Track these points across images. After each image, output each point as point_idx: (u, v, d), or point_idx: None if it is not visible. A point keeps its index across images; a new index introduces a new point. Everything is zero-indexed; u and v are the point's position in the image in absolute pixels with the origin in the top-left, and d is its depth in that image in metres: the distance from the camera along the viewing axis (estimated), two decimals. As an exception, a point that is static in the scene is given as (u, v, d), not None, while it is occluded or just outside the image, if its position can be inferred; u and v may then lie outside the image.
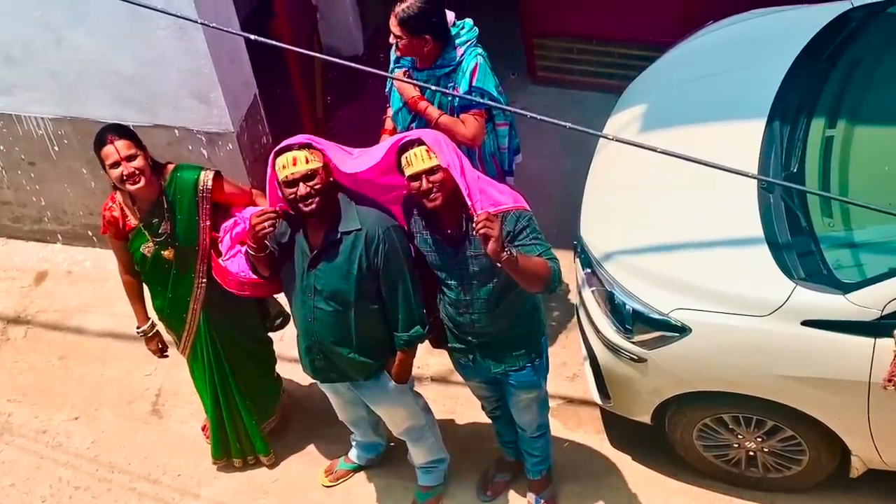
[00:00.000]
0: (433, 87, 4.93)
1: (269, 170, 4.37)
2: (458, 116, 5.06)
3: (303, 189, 4.28)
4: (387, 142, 4.41)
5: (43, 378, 6.09)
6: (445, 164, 4.17)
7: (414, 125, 5.18)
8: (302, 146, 4.30)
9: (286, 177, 4.28)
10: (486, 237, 4.01)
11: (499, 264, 4.11)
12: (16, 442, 5.82)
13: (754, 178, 4.41)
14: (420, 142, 4.19)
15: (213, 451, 5.52)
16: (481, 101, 4.93)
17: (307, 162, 4.26)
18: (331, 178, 4.35)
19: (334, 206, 4.40)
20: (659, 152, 3.35)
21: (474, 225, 4.04)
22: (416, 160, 4.17)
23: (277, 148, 4.33)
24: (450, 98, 5.03)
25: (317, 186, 4.28)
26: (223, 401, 5.26)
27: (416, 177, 4.19)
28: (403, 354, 4.67)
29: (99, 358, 6.14)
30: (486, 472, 5.39)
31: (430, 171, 4.18)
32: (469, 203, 4.17)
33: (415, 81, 5.02)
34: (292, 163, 4.26)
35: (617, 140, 3.53)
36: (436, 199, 4.21)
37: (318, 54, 4.04)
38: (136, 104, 5.74)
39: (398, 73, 5.13)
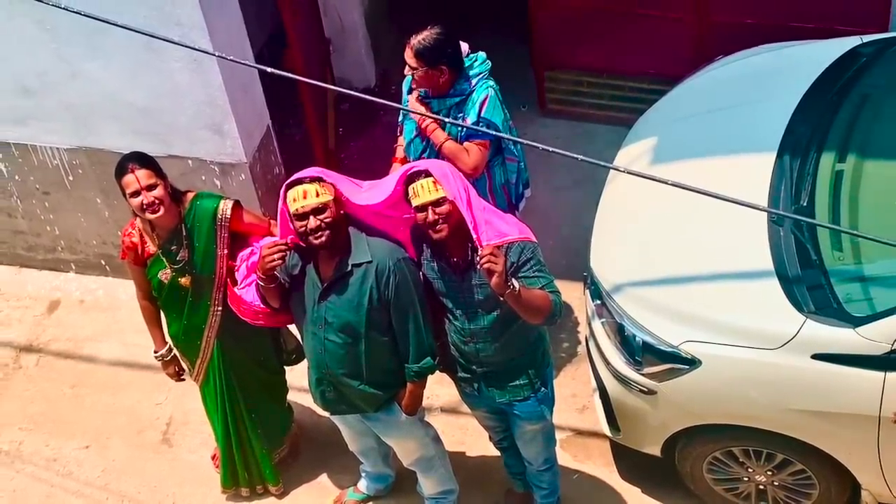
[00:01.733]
0: (445, 119, 4.97)
1: (279, 202, 4.40)
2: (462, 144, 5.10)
3: (313, 222, 4.30)
4: (396, 173, 4.43)
5: (54, 406, 6.10)
6: (451, 197, 4.19)
7: (425, 156, 5.21)
8: (313, 180, 4.32)
9: (296, 210, 4.30)
10: (490, 272, 4.04)
11: (501, 297, 4.14)
12: (27, 470, 5.82)
13: (765, 210, 4.41)
14: (427, 173, 4.22)
15: (223, 480, 5.51)
16: (487, 131, 4.95)
17: (317, 195, 4.29)
18: (341, 212, 4.37)
19: (345, 238, 4.41)
20: (670, 184, 3.35)
21: (478, 259, 4.07)
22: (423, 191, 4.20)
23: (289, 181, 4.35)
24: (459, 129, 5.06)
25: (327, 220, 4.30)
26: (234, 428, 5.26)
27: (422, 208, 4.22)
28: (413, 386, 4.67)
29: (110, 387, 6.15)
30: (495, 504, 5.38)
31: (436, 203, 4.20)
32: (474, 235, 4.19)
33: (426, 112, 5.04)
34: (302, 196, 4.29)
35: (627, 172, 3.54)
36: (441, 231, 4.24)
37: (332, 87, 4.04)
38: (151, 135, 5.77)
39: (410, 97, 5.16)
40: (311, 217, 4.29)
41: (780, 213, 4.72)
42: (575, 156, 3.37)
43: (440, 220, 4.21)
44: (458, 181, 4.28)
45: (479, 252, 4.08)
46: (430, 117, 5.01)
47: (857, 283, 4.60)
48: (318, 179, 4.32)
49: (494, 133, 4.98)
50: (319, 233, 4.30)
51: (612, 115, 6.84)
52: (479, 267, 4.10)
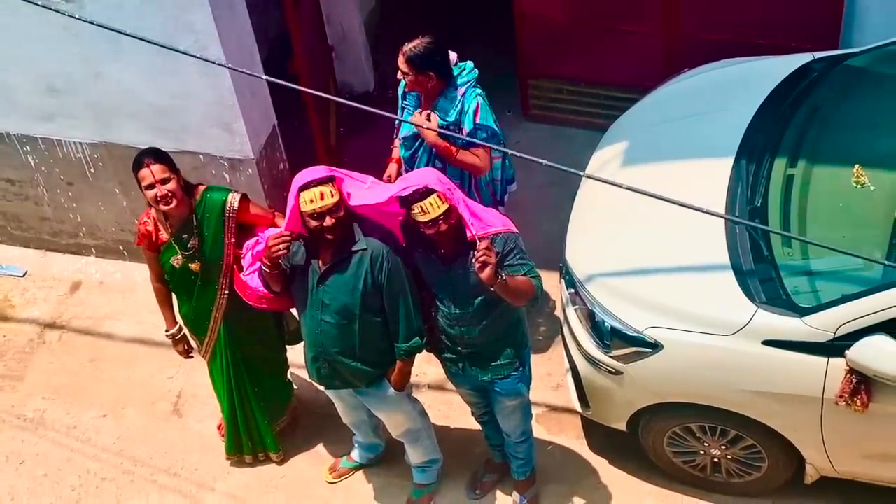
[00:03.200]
0: (452, 134, 4.99)
1: (292, 200, 4.38)
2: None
3: (329, 220, 4.33)
4: (394, 186, 4.44)
5: (75, 378, 6.12)
6: (455, 204, 4.24)
7: (418, 154, 5.24)
8: (324, 181, 4.33)
9: (314, 210, 4.31)
10: (485, 265, 4.11)
11: (491, 287, 4.20)
12: (49, 436, 5.85)
13: (722, 217, 4.44)
14: (428, 190, 4.23)
15: (227, 448, 5.54)
16: (483, 143, 4.97)
17: (332, 196, 4.31)
18: (347, 207, 4.41)
19: (347, 230, 4.46)
20: (629, 189, 3.41)
21: (475, 254, 4.12)
22: (433, 208, 4.22)
23: (303, 183, 4.33)
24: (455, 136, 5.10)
25: (340, 216, 4.35)
26: (238, 401, 5.29)
27: (433, 222, 4.25)
28: (403, 363, 4.72)
29: (126, 361, 6.16)
30: (475, 473, 5.42)
31: (446, 215, 4.25)
32: (468, 233, 4.24)
33: (434, 127, 5.03)
34: (320, 197, 4.30)
35: (591, 177, 3.60)
36: (446, 234, 4.30)
37: (332, 97, 4.06)
38: (166, 132, 5.78)
39: (416, 113, 5.15)
40: (328, 216, 4.32)
41: (735, 219, 4.72)
42: (539, 160, 3.42)
43: (449, 227, 4.28)
44: (450, 187, 4.32)
45: (477, 246, 4.11)
46: (434, 129, 4.98)
47: (804, 276, 4.65)
48: (330, 179, 4.35)
49: (487, 145, 5.00)
50: (333, 230, 4.35)
51: (589, 120, 6.85)
52: (474, 260, 4.14)
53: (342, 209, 4.35)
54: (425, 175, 4.36)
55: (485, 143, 4.99)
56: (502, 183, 5.46)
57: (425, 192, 4.22)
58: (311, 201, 4.30)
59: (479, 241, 4.14)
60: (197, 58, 4.00)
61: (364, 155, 6.87)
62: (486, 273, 4.11)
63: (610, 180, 3.57)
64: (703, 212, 3.34)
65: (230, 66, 3.92)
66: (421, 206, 4.23)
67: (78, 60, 5.68)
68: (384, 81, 7.38)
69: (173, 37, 5.27)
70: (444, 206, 4.23)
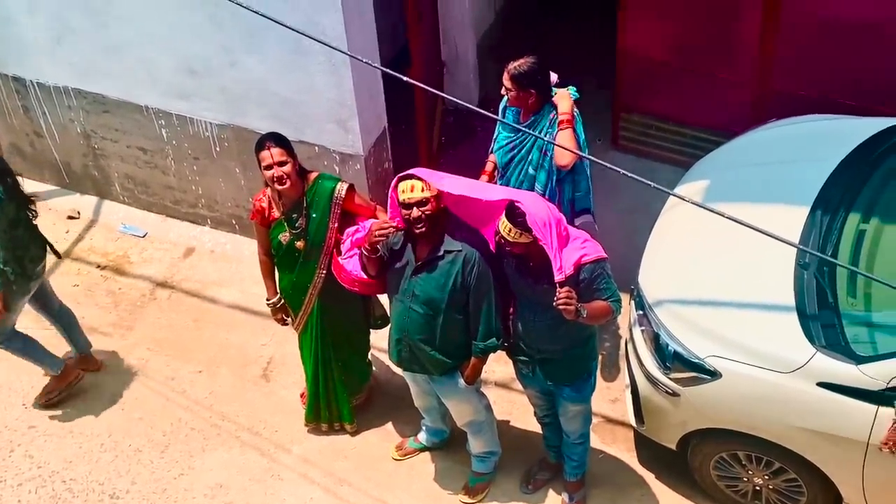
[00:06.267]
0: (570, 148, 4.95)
1: (391, 190, 4.51)
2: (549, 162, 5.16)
3: (415, 212, 4.42)
4: (499, 189, 4.51)
5: (178, 334, 6.22)
6: (539, 237, 4.24)
7: (514, 161, 5.24)
8: (420, 177, 4.43)
9: (404, 200, 4.42)
10: (566, 312, 4.19)
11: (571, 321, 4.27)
12: (148, 384, 5.96)
13: (797, 247, 4.37)
14: (523, 220, 4.23)
15: (307, 415, 5.61)
16: (581, 154, 4.98)
17: (423, 191, 4.41)
18: (441, 207, 4.47)
19: (441, 229, 4.52)
20: (726, 217, 3.39)
21: (556, 298, 4.17)
22: (506, 232, 4.29)
23: (402, 174, 4.47)
24: (544, 144, 5.12)
25: (427, 212, 4.42)
26: (322, 372, 5.36)
27: (508, 243, 4.33)
28: (477, 360, 4.76)
29: (226, 325, 6.25)
30: (530, 469, 5.43)
31: (520, 246, 4.31)
32: (554, 270, 4.25)
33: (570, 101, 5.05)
34: (410, 189, 4.41)
35: (690, 202, 3.58)
36: (526, 255, 4.35)
37: (453, 98, 3.99)
38: (288, 122, 5.86)
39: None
40: (415, 208, 4.41)
41: (807, 250, 4.66)
42: (647, 182, 3.43)
43: (519, 253, 4.35)
44: (546, 222, 4.27)
45: (557, 294, 4.17)
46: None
47: (864, 327, 4.59)
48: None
49: (584, 156, 5.01)
50: (420, 223, 4.43)
51: (673, 157, 6.79)
52: (555, 304, 4.19)
53: (431, 206, 4.40)
54: (531, 208, 4.28)
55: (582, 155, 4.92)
56: (582, 202, 5.43)
57: (517, 215, 4.24)
58: (404, 191, 4.41)
59: (559, 289, 4.18)
60: (341, 52, 4.02)
61: (460, 164, 6.91)
62: (567, 315, 4.20)
63: (702, 204, 3.54)
64: (783, 241, 3.31)
65: (363, 59, 3.96)
66: (506, 227, 4.27)
67: (218, 48, 5.82)
68: (487, 99, 7.42)
69: (303, 38, 5.35)
70: (524, 240, 4.26)
